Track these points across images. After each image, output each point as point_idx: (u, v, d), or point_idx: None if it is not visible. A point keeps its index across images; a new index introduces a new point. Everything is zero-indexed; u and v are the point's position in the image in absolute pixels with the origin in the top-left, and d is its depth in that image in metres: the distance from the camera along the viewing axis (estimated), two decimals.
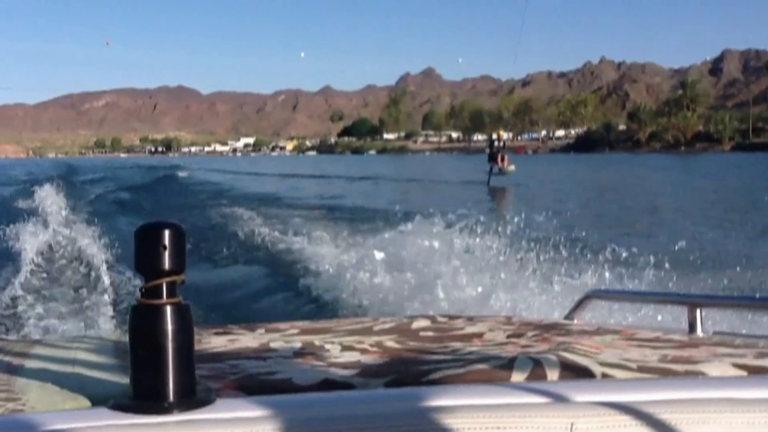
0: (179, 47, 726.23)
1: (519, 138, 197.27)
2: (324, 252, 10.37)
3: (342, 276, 8.70)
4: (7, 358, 1.41)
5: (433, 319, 1.96)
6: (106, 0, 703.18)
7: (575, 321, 2.05)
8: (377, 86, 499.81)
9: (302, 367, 1.35)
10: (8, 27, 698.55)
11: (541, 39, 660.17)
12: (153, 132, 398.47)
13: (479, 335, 1.71)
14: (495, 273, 7.64)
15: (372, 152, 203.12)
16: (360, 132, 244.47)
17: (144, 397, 1.04)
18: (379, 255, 8.83)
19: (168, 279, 1.02)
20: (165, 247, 1.01)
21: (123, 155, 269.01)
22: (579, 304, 2.10)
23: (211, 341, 1.63)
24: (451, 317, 2.05)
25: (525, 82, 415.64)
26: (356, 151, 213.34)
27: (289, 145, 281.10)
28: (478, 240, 8.64)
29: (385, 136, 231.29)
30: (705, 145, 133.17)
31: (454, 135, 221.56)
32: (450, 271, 7.67)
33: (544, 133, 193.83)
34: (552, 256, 8.08)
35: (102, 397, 1.09)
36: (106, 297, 8.79)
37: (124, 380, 1.11)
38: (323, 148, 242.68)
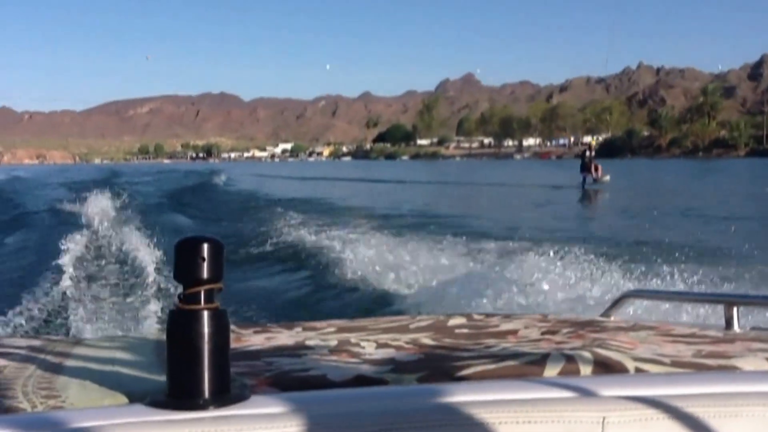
0: (222, 55, 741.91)
1: (547, 144, 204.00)
2: (369, 253, 10.56)
3: (385, 277, 8.91)
4: (48, 357, 1.45)
5: (469, 316, 1.98)
6: (151, 10, 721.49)
7: (612, 318, 2.05)
8: (417, 92, 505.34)
9: (336, 363, 1.37)
10: (56, 36, 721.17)
11: (582, 44, 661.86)
12: (195, 138, 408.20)
13: (514, 332, 1.72)
14: (546, 274, 7.72)
15: (405, 158, 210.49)
16: (394, 138, 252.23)
17: (180, 394, 1.08)
18: (418, 256, 9.10)
19: (206, 287, 1.07)
20: (203, 259, 1.06)
21: (166, 161, 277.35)
22: (616, 303, 2.11)
23: (250, 340, 1.67)
24: (488, 315, 2.05)
25: (562, 88, 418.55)
26: (390, 156, 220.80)
27: (326, 151, 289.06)
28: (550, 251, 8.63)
29: (419, 141, 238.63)
30: (721, 150, 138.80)
31: (486, 141, 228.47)
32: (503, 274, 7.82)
33: (572, 139, 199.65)
34: (600, 257, 8.22)
35: (139, 395, 1.13)
36: (149, 297, 9.21)
37: (161, 378, 1.14)
38: (358, 154, 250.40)
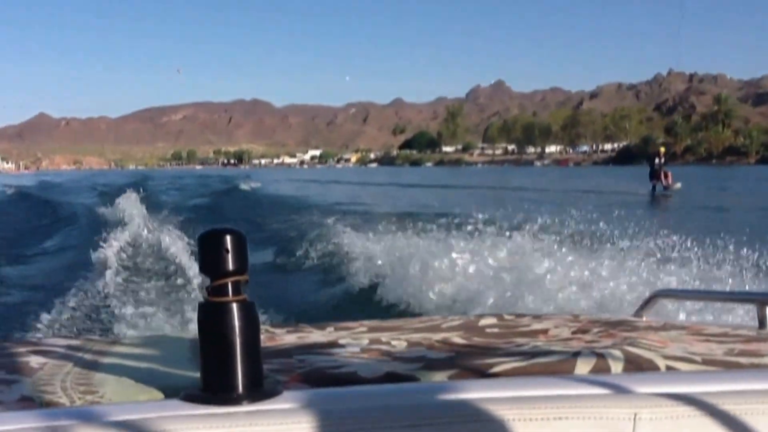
0: (255, 62, 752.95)
1: (569, 151, 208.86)
2: (403, 256, 10.50)
3: (418, 279, 8.96)
4: (86, 356, 1.50)
5: (500, 317, 2.00)
6: (185, 18, 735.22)
7: (643, 318, 2.06)
8: (447, 98, 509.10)
9: (367, 361, 1.40)
10: (92, 43, 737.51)
11: (614, 50, 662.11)
12: (227, 144, 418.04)
13: (544, 331, 1.74)
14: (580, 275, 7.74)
15: (429, 164, 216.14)
16: (420, 145, 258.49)
17: (214, 388, 1.11)
18: (456, 256, 9.22)
19: (232, 279, 1.10)
20: (227, 251, 1.08)
21: (198, 167, 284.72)
22: (646, 303, 2.12)
23: (283, 339, 1.71)
24: (518, 315, 2.07)
25: (593, 94, 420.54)
26: (415, 163, 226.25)
27: (353, 158, 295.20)
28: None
29: (444, 148, 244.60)
30: (734, 158, 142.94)
31: (510, 148, 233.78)
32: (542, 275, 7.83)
33: (593, 146, 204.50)
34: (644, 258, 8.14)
35: (174, 390, 1.16)
36: (186, 297, 9.41)
37: (195, 374, 1.18)
38: (385, 160, 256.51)
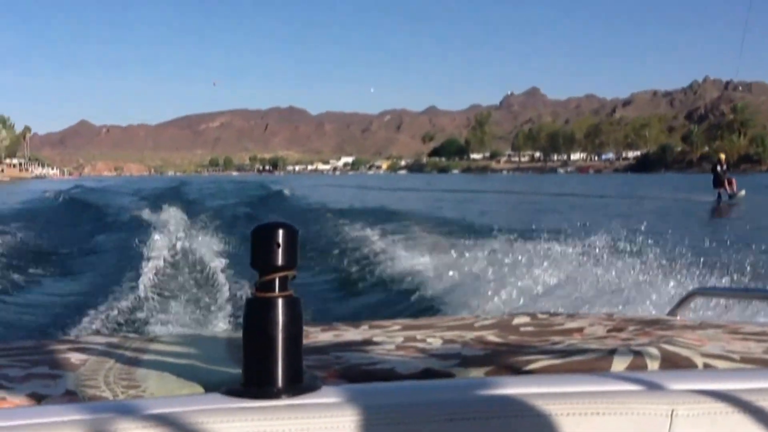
0: (291, 70, 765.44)
1: (593, 159, 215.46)
2: (435, 261, 10.60)
3: (450, 283, 9.05)
4: (126, 353, 1.54)
5: (533, 315, 2.02)
6: (221, 27, 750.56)
7: (678, 317, 2.06)
8: (481, 106, 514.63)
9: (404, 358, 1.42)
10: (132, 52, 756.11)
11: (650, 57, 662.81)
12: (264, 151, 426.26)
13: (579, 330, 1.76)
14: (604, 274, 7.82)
15: (455, 171, 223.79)
16: (448, 152, 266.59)
17: (254, 382, 1.13)
18: (485, 257, 9.31)
19: (280, 274, 1.12)
20: (278, 245, 1.10)
21: (234, 173, 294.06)
22: (682, 302, 2.13)
23: (318, 337, 1.73)
24: (552, 314, 2.09)
25: (626, 102, 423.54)
26: (442, 170, 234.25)
27: (384, 165, 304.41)
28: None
29: (472, 156, 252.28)
30: (747, 165, 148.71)
31: (537, 155, 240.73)
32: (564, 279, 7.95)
33: (613, 154, 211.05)
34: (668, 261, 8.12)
35: (214, 384, 1.20)
36: (220, 299, 9.84)
37: (235, 370, 1.21)
38: (414, 167, 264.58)
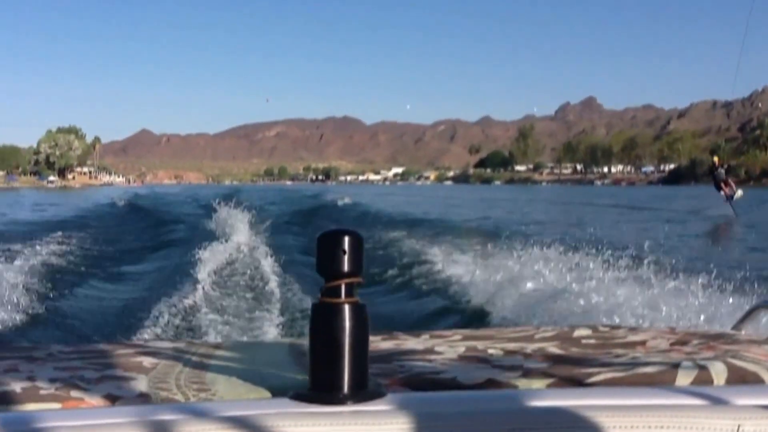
0: (347, 80, 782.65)
1: (631, 171, 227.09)
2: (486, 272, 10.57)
3: (508, 293, 9.02)
4: (195, 357, 1.62)
5: (594, 328, 2.04)
6: (279, 38, 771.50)
7: (743, 332, 2.05)
8: (536, 116, 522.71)
9: (466, 367, 1.44)
10: (192, 62, 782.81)
11: (710, 67, 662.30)
12: (318, 161, 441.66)
13: (642, 343, 1.76)
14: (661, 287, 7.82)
15: (497, 182, 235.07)
16: (493, 163, 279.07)
17: (321, 388, 1.17)
18: (538, 267, 9.39)
19: (347, 280, 1.15)
20: (344, 252, 1.14)
21: (288, 182, 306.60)
22: (747, 315, 2.13)
23: (380, 345, 1.78)
24: (614, 327, 2.11)
25: (680, 113, 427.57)
26: (486, 180, 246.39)
27: (432, 175, 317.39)
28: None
29: (516, 167, 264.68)
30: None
31: (579, 167, 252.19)
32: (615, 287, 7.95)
33: (650, 168, 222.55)
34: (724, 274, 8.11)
35: (281, 389, 1.25)
36: (276, 305, 10.05)
37: (301, 376, 1.27)
38: (460, 178, 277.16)
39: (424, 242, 15.64)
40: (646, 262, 9.01)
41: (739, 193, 32.85)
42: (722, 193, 32.15)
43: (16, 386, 1.30)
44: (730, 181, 32.96)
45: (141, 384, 1.34)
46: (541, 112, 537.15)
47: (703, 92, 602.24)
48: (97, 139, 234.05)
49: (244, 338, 7.79)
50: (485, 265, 11.12)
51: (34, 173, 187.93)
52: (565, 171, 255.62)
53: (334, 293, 1.15)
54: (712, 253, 14.32)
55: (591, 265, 9.26)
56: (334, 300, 1.15)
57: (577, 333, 1.94)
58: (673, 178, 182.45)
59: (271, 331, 8.52)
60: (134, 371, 1.46)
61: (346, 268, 1.14)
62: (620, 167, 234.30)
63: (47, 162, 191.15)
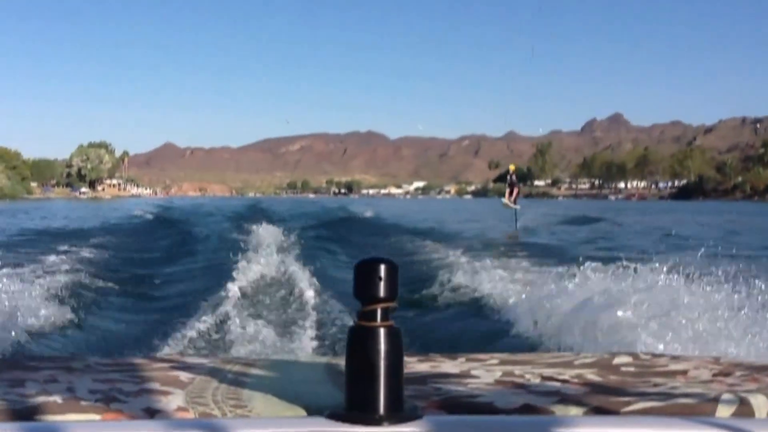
0: (371, 94, 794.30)
1: (647, 186, 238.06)
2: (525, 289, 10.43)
3: (546, 313, 8.78)
4: (231, 374, 1.67)
5: (635, 356, 2.03)
6: (303, 52, 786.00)
7: None
8: (562, 131, 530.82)
9: (503, 392, 1.46)
10: (216, 76, 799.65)
11: (741, 82, 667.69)
12: (342, 175, 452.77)
13: (683, 372, 1.76)
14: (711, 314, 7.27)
15: None
16: None
17: (357, 408, 1.22)
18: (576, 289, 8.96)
19: (382, 305, 1.22)
20: (380, 279, 1.21)
21: (311, 195, 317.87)
22: None
23: (416, 367, 1.80)
24: (655, 355, 2.10)
25: (707, 130, 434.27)
26: (503, 195, 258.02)
27: (453, 189, 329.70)
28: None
29: (536, 182, 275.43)
30: None
31: (597, 182, 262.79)
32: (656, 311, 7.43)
33: (668, 183, 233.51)
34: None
35: (316, 408, 1.29)
36: (309, 322, 10.04)
37: (336, 395, 1.30)
38: (479, 193, 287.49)
39: (455, 255, 15.88)
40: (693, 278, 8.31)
41: (518, 207, 33.91)
42: (504, 199, 34.25)
43: (57, 396, 1.34)
44: (515, 190, 34.34)
45: (178, 398, 1.38)
46: (568, 127, 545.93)
47: (732, 109, 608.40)
48: (125, 153, 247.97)
49: (278, 354, 7.83)
50: (523, 282, 11.09)
51: (67, 185, 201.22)
52: (584, 186, 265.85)
53: (370, 317, 1.20)
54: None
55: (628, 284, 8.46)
56: (370, 324, 1.20)
57: (617, 360, 1.94)
58: (683, 194, 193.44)
59: (305, 347, 8.65)
60: (172, 385, 1.50)
61: (381, 293, 1.20)
62: (638, 183, 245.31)
63: (79, 174, 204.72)
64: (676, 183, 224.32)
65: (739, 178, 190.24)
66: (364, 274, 1.21)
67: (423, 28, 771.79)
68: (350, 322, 1.18)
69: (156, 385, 1.49)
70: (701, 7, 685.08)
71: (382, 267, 1.21)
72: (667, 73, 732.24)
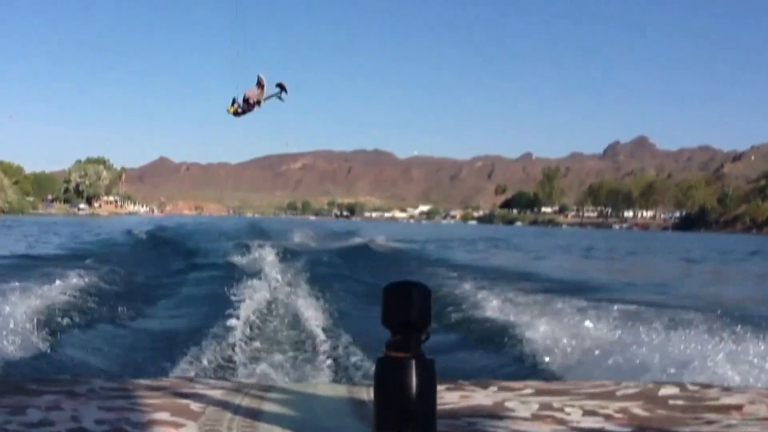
0: (378, 110, 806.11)
1: (654, 216, 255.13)
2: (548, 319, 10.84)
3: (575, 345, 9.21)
4: (245, 402, 1.72)
5: (682, 387, 2.06)
6: (305, 67, 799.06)
7: None
8: (583, 154, 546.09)
9: (542, 429, 1.49)
10: (212, 88, 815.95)
11: None
12: (346, 195, 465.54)
13: (738, 407, 1.75)
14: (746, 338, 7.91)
15: (519, 224, 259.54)
16: (519, 204, 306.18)
17: None
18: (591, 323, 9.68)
19: (412, 334, 1.23)
20: (411, 304, 1.23)
21: (311, 217, 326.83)
22: None
23: (444, 396, 1.82)
24: (704, 386, 2.13)
25: (735, 157, 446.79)
26: (509, 221, 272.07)
27: (458, 214, 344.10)
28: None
29: (543, 209, 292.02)
30: None
31: (604, 210, 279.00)
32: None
33: (675, 213, 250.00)
34: None
35: None
36: (318, 351, 10.32)
37: (357, 424, 1.34)
38: (485, 219, 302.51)
39: (478, 286, 16.49)
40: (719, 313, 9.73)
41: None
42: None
43: (62, 427, 1.36)
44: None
45: (191, 430, 1.42)
46: (589, 150, 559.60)
47: (766, 134, 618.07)
48: (123, 170, 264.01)
49: (291, 381, 8.10)
50: (541, 311, 11.70)
51: (65, 200, 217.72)
52: (591, 214, 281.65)
53: (400, 347, 1.22)
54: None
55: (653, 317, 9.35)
56: (401, 355, 1.22)
57: (663, 391, 1.98)
58: (686, 224, 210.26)
59: (314, 372, 8.89)
60: (183, 415, 1.52)
61: (413, 320, 1.22)
62: (646, 212, 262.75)
63: (76, 190, 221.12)
64: (681, 213, 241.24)
65: (741, 209, 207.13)
66: (395, 299, 1.22)
67: (437, 39, 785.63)
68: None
69: (166, 416, 1.50)
70: (741, 25, 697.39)
71: (413, 291, 1.22)
72: (698, 94, 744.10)
